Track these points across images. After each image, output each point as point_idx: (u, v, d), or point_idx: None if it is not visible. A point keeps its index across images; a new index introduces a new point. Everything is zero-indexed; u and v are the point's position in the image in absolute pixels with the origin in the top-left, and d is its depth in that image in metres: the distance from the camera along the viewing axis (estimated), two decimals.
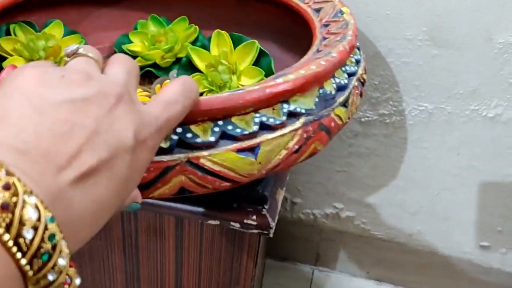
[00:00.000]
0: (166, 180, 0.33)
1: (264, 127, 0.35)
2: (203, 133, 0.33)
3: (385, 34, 0.68)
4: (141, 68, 0.62)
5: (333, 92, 0.41)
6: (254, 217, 0.47)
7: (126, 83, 0.26)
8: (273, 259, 0.95)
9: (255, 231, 0.47)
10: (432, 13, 0.65)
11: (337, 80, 0.42)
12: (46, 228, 0.19)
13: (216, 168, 0.34)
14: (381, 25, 0.68)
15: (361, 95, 0.47)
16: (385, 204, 0.84)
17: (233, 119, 0.34)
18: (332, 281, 0.93)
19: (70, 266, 0.21)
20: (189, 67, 0.57)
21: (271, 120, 0.36)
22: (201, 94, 0.55)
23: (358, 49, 0.50)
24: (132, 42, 0.63)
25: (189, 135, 0.33)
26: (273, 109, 0.36)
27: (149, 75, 0.62)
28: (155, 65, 0.62)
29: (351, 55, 0.46)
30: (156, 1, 0.65)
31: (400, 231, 0.87)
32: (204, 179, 0.34)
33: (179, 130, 0.32)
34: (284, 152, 0.36)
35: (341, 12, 0.51)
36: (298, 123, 0.37)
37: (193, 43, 0.63)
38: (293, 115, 0.37)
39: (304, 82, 0.37)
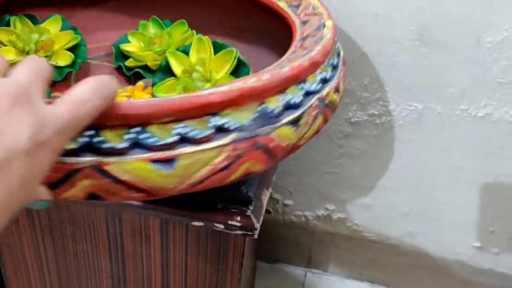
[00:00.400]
0: (72, 183, 0.31)
1: (185, 139, 0.33)
2: (114, 139, 0.31)
3: (373, 34, 0.68)
4: (131, 68, 0.62)
5: (279, 109, 0.37)
6: (239, 218, 0.47)
7: (26, 84, 0.26)
8: (265, 261, 0.95)
9: (239, 232, 0.47)
10: (421, 13, 0.65)
11: (288, 97, 0.38)
12: None
13: (125, 177, 0.32)
14: (370, 25, 0.68)
15: (325, 117, 0.43)
16: (377, 205, 0.84)
17: (150, 128, 0.32)
18: (324, 283, 0.93)
19: None
20: (168, 71, 0.56)
21: (194, 132, 0.33)
22: None
23: (334, 67, 0.46)
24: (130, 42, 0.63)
25: (99, 139, 0.31)
26: (200, 121, 0.34)
27: (140, 76, 0.62)
28: (145, 67, 0.62)
29: (317, 72, 0.42)
30: (164, 4, 0.65)
31: (391, 232, 0.86)
32: (112, 186, 0.32)
33: (90, 132, 0.31)
34: (208, 168, 0.34)
35: (324, 26, 0.48)
36: (227, 139, 0.34)
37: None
38: (222, 130, 0.34)
39: (238, 95, 0.34)
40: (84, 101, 0.27)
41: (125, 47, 0.62)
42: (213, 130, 0.34)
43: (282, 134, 0.37)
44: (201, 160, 0.34)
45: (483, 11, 0.63)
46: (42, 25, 0.60)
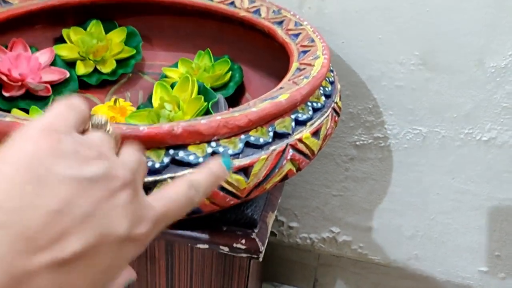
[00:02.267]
0: None
1: None
2: None
3: (378, 58, 0.69)
4: None
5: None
6: (243, 241, 0.47)
7: (135, 171, 0.25)
8: (271, 284, 0.94)
9: (244, 255, 0.47)
10: (424, 38, 0.66)
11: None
12: None
13: None
14: (374, 49, 0.68)
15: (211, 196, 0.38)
16: (382, 228, 0.84)
17: None
18: None
19: None
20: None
21: None
22: None
23: (257, 145, 0.40)
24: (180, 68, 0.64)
25: None
26: None
27: None
28: None
29: (212, 143, 0.38)
30: (229, 39, 0.66)
31: (397, 255, 0.86)
32: None
33: None
34: None
35: (277, 97, 0.43)
36: None
37: (224, 86, 0.63)
38: None
39: None
40: (175, 200, 0.26)
41: (168, 71, 0.63)
42: None
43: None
44: None
45: (485, 36, 0.64)
46: (109, 34, 0.64)
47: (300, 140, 0.43)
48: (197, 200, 0.27)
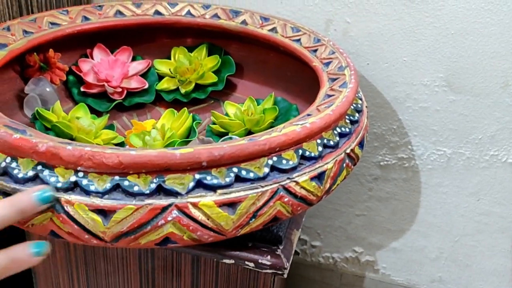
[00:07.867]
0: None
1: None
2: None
3: (402, 80, 0.70)
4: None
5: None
6: (269, 257, 0.48)
7: None
8: None
9: (269, 271, 0.48)
10: (449, 60, 0.67)
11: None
12: None
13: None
14: (399, 71, 0.69)
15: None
16: (406, 249, 0.84)
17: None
18: None
19: None
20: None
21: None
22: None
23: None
24: (229, 108, 0.63)
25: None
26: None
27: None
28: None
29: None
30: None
31: (421, 277, 0.85)
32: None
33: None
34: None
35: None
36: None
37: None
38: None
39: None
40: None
41: (228, 106, 0.62)
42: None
43: None
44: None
45: (511, 58, 0.64)
46: (205, 59, 0.68)
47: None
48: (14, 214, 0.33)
